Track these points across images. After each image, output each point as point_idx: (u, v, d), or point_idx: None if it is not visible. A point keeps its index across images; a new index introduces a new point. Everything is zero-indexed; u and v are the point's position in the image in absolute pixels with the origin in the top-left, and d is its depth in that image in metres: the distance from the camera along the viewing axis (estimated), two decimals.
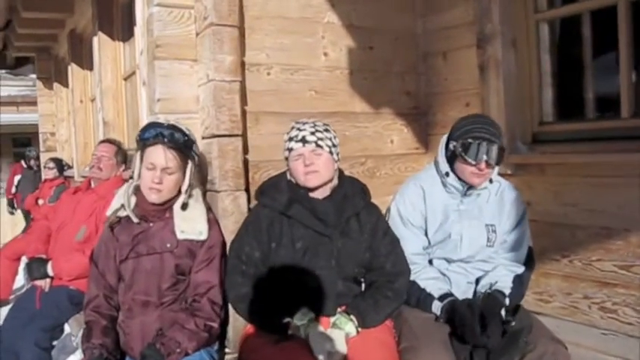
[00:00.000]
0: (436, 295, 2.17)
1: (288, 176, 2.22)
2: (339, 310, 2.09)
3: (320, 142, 2.13)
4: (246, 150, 2.54)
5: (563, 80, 2.82)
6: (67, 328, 3.01)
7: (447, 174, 2.28)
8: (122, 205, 2.18)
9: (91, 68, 5.00)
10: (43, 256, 3.21)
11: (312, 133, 2.13)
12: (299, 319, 1.99)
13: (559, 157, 2.68)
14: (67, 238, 3.26)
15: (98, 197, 3.35)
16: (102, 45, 4.20)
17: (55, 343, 2.97)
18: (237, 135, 2.39)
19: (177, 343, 2.00)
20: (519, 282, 2.24)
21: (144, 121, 2.79)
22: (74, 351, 2.88)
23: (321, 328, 2.00)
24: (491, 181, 2.27)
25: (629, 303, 2.45)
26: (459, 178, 2.26)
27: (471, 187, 2.25)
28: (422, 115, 3.25)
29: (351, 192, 2.23)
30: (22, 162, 8.58)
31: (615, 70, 2.54)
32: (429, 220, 2.31)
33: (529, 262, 2.33)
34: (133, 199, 2.19)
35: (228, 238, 2.26)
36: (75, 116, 5.49)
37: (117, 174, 3.54)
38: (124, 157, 3.60)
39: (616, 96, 2.54)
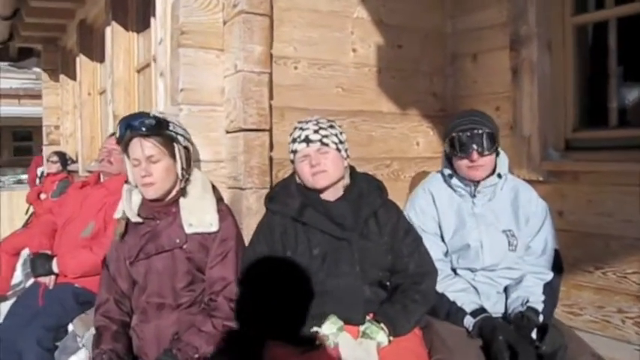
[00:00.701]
0: (468, 309, 2.06)
1: (297, 179, 2.10)
2: (367, 318, 1.97)
3: (325, 140, 2.00)
4: (271, 147, 2.43)
5: (599, 86, 2.71)
6: (71, 328, 2.87)
7: (451, 176, 2.21)
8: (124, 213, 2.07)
9: (101, 60, 4.89)
10: (48, 252, 3.07)
11: (316, 132, 2.01)
12: (328, 328, 1.86)
13: (594, 165, 2.58)
14: (74, 234, 3.13)
15: (108, 192, 3.23)
16: (115, 35, 4.08)
17: (58, 344, 2.85)
18: (264, 130, 2.29)
19: (194, 348, 1.88)
20: (550, 290, 2.13)
21: None
22: (76, 351, 2.75)
23: (351, 338, 1.87)
24: (500, 176, 2.16)
25: None
26: (462, 178, 2.18)
27: (478, 184, 2.15)
28: (448, 118, 3.12)
29: (366, 190, 2.11)
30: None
31: None
32: (443, 225, 2.22)
33: (558, 266, 2.20)
34: (137, 200, 2.08)
35: (249, 237, 2.14)
36: (82, 109, 5.36)
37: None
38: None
39: None
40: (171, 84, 2.39)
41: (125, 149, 2.03)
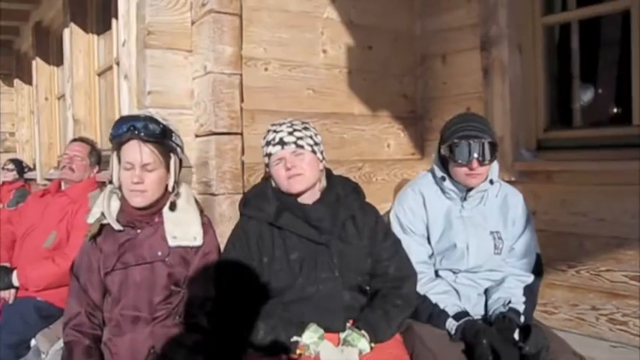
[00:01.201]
0: (451, 312, 2.03)
1: (273, 183, 2.03)
2: (348, 325, 1.91)
3: (300, 142, 1.95)
4: (242, 151, 2.35)
5: (569, 86, 2.74)
6: (34, 343, 2.73)
7: (444, 178, 2.16)
8: (102, 214, 1.95)
9: (58, 63, 4.72)
10: (7, 265, 2.93)
11: (290, 133, 1.95)
12: (308, 337, 1.80)
13: (567, 165, 2.59)
14: (35, 245, 3.00)
15: (70, 200, 3.11)
16: (74, 38, 3.93)
17: None
18: (236, 133, 2.22)
19: None
20: (530, 293, 2.13)
21: None
22: None
23: (332, 346, 1.82)
24: (491, 182, 2.15)
25: None
26: (456, 182, 2.14)
27: (470, 190, 2.13)
28: (418, 120, 3.14)
29: (343, 193, 2.06)
30: None
31: (626, 77, 2.46)
32: (431, 227, 2.19)
33: (538, 269, 2.21)
34: (116, 204, 1.97)
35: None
36: (39, 115, 5.16)
37: (90, 175, 3.28)
38: (97, 158, 3.36)
39: (627, 102, 2.47)
40: (137, 87, 2.29)
41: (117, 148, 1.91)
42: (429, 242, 2.20)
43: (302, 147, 1.94)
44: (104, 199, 1.95)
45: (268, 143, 1.97)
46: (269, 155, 1.97)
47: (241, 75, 2.31)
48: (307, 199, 1.99)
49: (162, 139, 1.90)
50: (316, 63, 2.68)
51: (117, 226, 1.92)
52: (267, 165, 2.02)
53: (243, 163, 2.34)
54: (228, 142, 2.19)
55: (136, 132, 1.85)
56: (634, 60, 2.44)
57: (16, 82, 6.30)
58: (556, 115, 2.79)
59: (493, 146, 2.05)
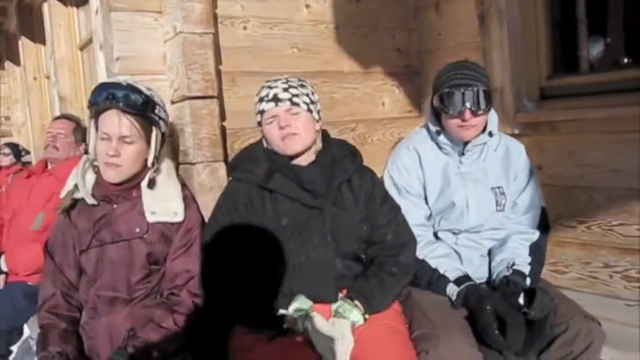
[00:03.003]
0: (451, 277, 1.91)
1: (265, 144, 1.90)
2: (340, 295, 1.80)
3: (295, 99, 1.81)
4: (223, 116, 2.21)
5: (573, 30, 2.54)
6: (26, 329, 2.67)
7: (438, 132, 2.02)
8: (75, 186, 1.81)
9: (43, 41, 4.56)
10: None
11: (285, 90, 1.81)
12: (296, 311, 1.69)
13: (573, 113, 2.42)
14: (22, 228, 2.92)
15: (57, 180, 2.99)
16: (53, 12, 3.75)
17: (12, 348, 2.64)
18: (211, 97, 2.08)
19: (153, 345, 1.68)
20: (537, 250, 2.00)
21: None
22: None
23: (322, 319, 1.69)
24: (490, 134, 1.99)
25: None
26: (451, 136, 2.00)
27: (467, 143, 1.98)
28: (414, 75, 2.97)
29: (339, 155, 1.93)
30: None
31: (633, 18, 2.27)
32: (428, 186, 2.05)
33: (544, 224, 2.06)
34: (92, 177, 1.83)
35: (208, 217, 1.93)
36: (29, 95, 5.03)
37: (76, 154, 3.17)
38: (83, 135, 3.23)
39: (635, 45, 2.28)
40: (105, 55, 2.14)
41: (95, 116, 1.77)
42: (427, 202, 2.06)
43: (297, 105, 1.81)
44: (79, 170, 1.83)
45: (261, 99, 1.83)
46: (262, 112, 1.84)
47: (215, 34, 2.15)
48: (301, 161, 1.86)
49: (144, 111, 1.75)
50: (300, 19, 2.52)
51: (90, 200, 1.79)
52: (259, 123, 1.88)
53: (223, 129, 2.20)
54: (204, 106, 2.05)
55: (115, 101, 1.71)
56: None
57: (7, 64, 6.14)
58: (560, 62, 2.61)
59: (488, 95, 1.88)
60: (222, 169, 2.09)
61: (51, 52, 3.83)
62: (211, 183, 2.05)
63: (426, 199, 2.06)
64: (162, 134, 1.85)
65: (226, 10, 2.27)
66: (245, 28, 2.33)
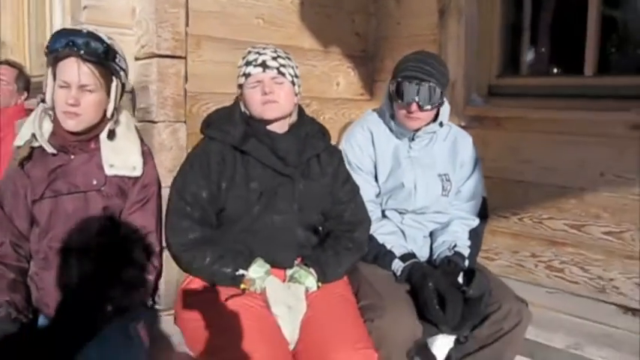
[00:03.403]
0: (397, 253, 2.01)
1: (242, 107, 1.91)
2: (296, 262, 1.86)
3: (282, 70, 1.84)
4: (185, 78, 2.20)
5: (524, 33, 2.70)
6: None
7: (392, 116, 2.10)
8: (33, 135, 1.76)
9: None
10: None
11: (274, 59, 1.84)
12: (255, 272, 1.73)
13: (518, 112, 2.58)
14: None
15: None
16: None
17: None
18: (180, 57, 2.07)
19: (108, 299, 1.66)
20: (475, 237, 2.13)
21: None
22: None
23: (279, 282, 1.76)
24: (441, 124, 2.10)
25: (577, 262, 2.45)
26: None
27: (417, 130, 2.08)
28: (369, 60, 3.04)
29: (311, 131, 1.98)
30: None
31: (582, 26, 2.44)
32: (379, 165, 2.14)
33: (484, 212, 2.21)
34: (48, 126, 1.76)
35: (165, 176, 1.94)
36: None
37: (18, 102, 3.05)
38: (26, 84, 3.11)
39: (580, 53, 2.46)
40: (71, 2, 2.07)
41: (53, 63, 1.70)
42: (377, 181, 2.15)
43: (283, 75, 1.83)
44: (35, 119, 1.75)
45: (248, 63, 1.84)
46: (247, 75, 1.84)
47: None
48: (276, 128, 1.88)
49: (105, 59, 1.70)
50: None
51: (50, 149, 1.73)
52: (240, 86, 1.88)
53: (185, 91, 2.18)
54: (171, 65, 2.03)
55: (76, 48, 1.64)
56: (590, 11, 2.42)
57: None
58: (509, 62, 2.76)
59: (439, 92, 1.97)
60: (182, 130, 2.09)
61: None
62: (171, 143, 2.04)
63: (376, 177, 2.15)
64: (123, 85, 1.81)
65: None
66: None
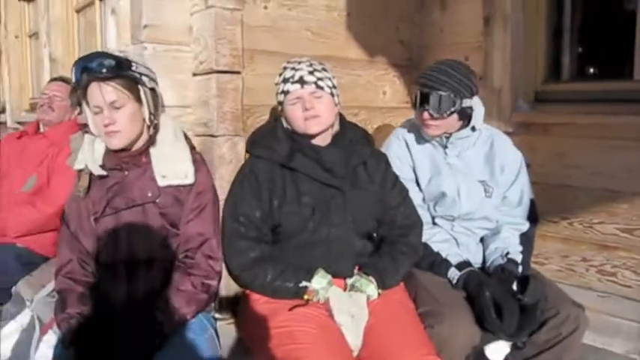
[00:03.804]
0: (453, 261, 2.04)
1: (285, 123, 1.96)
2: (355, 270, 1.90)
3: (320, 83, 1.87)
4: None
5: (571, 38, 2.70)
6: (14, 291, 2.63)
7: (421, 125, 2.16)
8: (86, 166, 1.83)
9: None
10: None
11: (311, 73, 1.87)
12: (317, 283, 1.78)
13: (565, 118, 2.58)
14: (12, 190, 2.88)
15: (50, 143, 2.99)
16: None
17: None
18: (237, 72, 2.12)
19: (173, 308, 1.73)
20: (527, 241, 2.14)
21: None
22: (15, 316, 2.55)
23: (341, 292, 1.80)
24: (473, 129, 2.12)
25: (630, 266, 2.43)
26: None
27: (449, 137, 2.12)
28: (414, 68, 3.05)
29: (355, 138, 2.02)
30: None
31: (629, 29, 2.44)
32: (419, 170, 2.18)
33: (533, 216, 2.21)
34: (101, 148, 1.84)
35: (226, 189, 1.99)
36: (8, 54, 4.87)
37: (71, 118, 3.15)
38: (78, 99, 3.19)
39: (629, 57, 2.45)
40: (131, 20, 2.15)
41: (84, 96, 1.78)
42: (419, 186, 2.18)
43: (322, 88, 1.87)
44: (86, 149, 1.84)
45: (286, 80, 1.88)
46: (285, 93, 1.89)
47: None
48: (320, 141, 1.93)
49: (120, 70, 1.73)
50: (316, 3, 2.56)
51: (99, 172, 1.80)
52: (280, 103, 1.93)
53: (242, 105, 2.25)
54: (230, 81, 2.10)
55: (91, 73, 1.71)
56: (639, 14, 2.41)
57: None
58: (555, 68, 2.77)
59: (450, 100, 1.99)
60: (241, 143, 2.14)
61: (44, 12, 3.73)
62: (231, 156, 2.10)
63: (418, 183, 2.18)
64: (152, 89, 1.84)
65: None
66: (266, 7, 2.37)
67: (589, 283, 2.54)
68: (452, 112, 2.02)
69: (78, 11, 3.69)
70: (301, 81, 1.85)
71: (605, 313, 2.30)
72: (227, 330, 2.04)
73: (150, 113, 1.81)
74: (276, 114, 2.01)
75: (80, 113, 3.22)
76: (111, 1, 2.47)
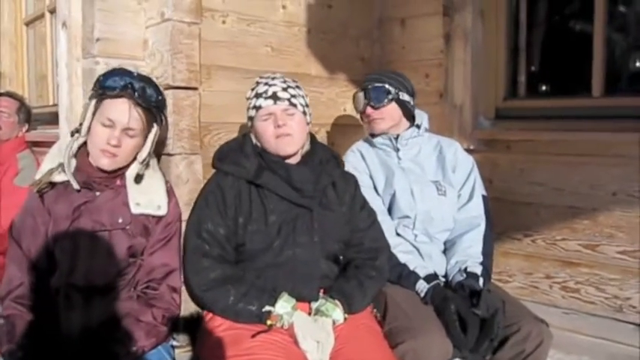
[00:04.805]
0: (421, 274, 2.00)
1: (254, 140, 1.89)
2: (321, 294, 1.82)
3: (293, 100, 1.83)
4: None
5: (530, 56, 2.73)
6: None
7: (373, 135, 2.25)
8: (59, 166, 1.71)
9: None
10: None
11: (284, 89, 1.83)
12: (282, 307, 1.70)
13: (526, 134, 2.60)
14: None
15: None
16: None
17: None
18: (194, 88, 2.05)
19: (132, 339, 1.62)
20: (486, 244, 2.11)
21: (60, 71, 2.32)
22: None
23: (306, 317, 1.72)
24: (418, 127, 2.20)
25: (593, 282, 2.44)
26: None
27: (397, 138, 2.18)
28: None
29: (324, 158, 1.96)
30: None
31: (589, 48, 2.47)
32: (375, 176, 2.21)
33: (487, 213, 2.18)
34: (72, 164, 1.72)
35: (182, 209, 1.90)
36: None
37: (19, 134, 3.00)
38: (27, 115, 3.07)
39: (588, 74, 2.48)
40: (83, 33, 2.05)
41: (99, 98, 1.68)
42: (377, 192, 2.19)
43: (295, 106, 1.82)
44: (67, 150, 1.70)
45: (258, 95, 1.82)
46: (257, 108, 1.82)
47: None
48: (290, 159, 1.87)
49: (156, 108, 1.73)
50: (275, 19, 2.52)
51: (75, 185, 1.69)
52: (250, 118, 1.87)
53: (199, 122, 2.16)
54: (186, 97, 2.01)
55: (133, 92, 1.66)
56: (596, 32, 2.45)
57: None
58: (515, 85, 2.79)
59: (384, 90, 2.15)
60: (198, 162, 2.06)
61: None
62: (188, 176, 2.01)
63: (376, 190, 2.19)
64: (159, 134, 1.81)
65: (209, 3, 2.22)
66: (224, 22, 2.30)
67: (553, 300, 2.54)
68: (390, 100, 2.15)
69: (27, 24, 3.54)
70: (274, 97, 1.80)
71: (570, 330, 2.30)
72: (186, 358, 1.94)
73: (148, 154, 1.76)
74: (245, 130, 1.93)
75: (29, 130, 3.08)
76: (62, 13, 2.34)
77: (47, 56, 3.29)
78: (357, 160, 2.24)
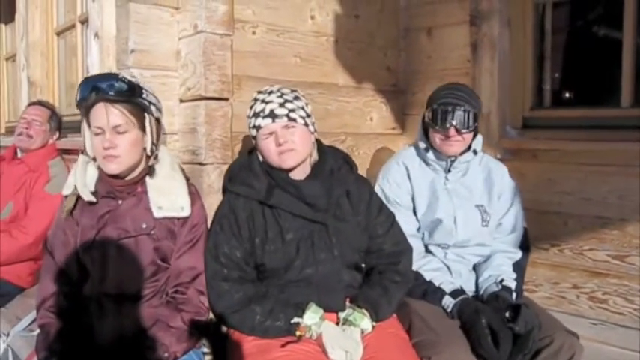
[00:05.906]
0: (447, 289, 2.00)
1: (260, 158, 1.89)
2: (347, 303, 1.84)
3: (292, 115, 1.80)
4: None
5: (558, 65, 2.73)
6: None
7: (427, 150, 2.13)
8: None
9: (6, 21, 4.34)
10: None
11: (282, 105, 1.80)
12: (310, 318, 1.71)
13: (553, 144, 2.59)
14: None
15: (28, 169, 2.92)
16: None
17: None
18: (226, 99, 2.08)
19: (164, 345, 1.65)
20: (519, 269, 2.12)
21: None
22: None
23: (334, 326, 1.73)
24: (475, 152, 2.12)
25: (621, 293, 2.42)
26: (439, 153, 2.11)
27: (454, 161, 2.10)
28: (400, 94, 3.06)
29: (335, 166, 1.95)
30: None
31: (617, 57, 2.46)
32: (417, 199, 2.15)
33: (526, 244, 2.20)
34: (94, 174, 1.76)
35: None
36: None
37: (50, 142, 3.07)
38: (58, 124, 3.13)
39: (616, 84, 2.47)
40: (117, 45, 2.09)
41: (86, 114, 1.71)
42: (416, 215, 2.15)
43: (294, 120, 1.80)
44: (77, 171, 1.76)
45: (257, 115, 1.81)
46: (257, 128, 1.82)
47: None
48: (299, 174, 1.87)
49: (131, 96, 1.69)
50: (304, 29, 2.55)
51: (89, 199, 1.72)
52: (253, 137, 1.87)
53: (231, 132, 2.20)
54: (219, 108, 2.05)
55: (101, 92, 1.65)
56: (625, 41, 2.44)
57: None
58: (543, 94, 2.78)
59: (475, 116, 2.02)
60: None
61: (22, 35, 3.66)
62: (219, 185, 2.04)
63: (415, 212, 2.15)
64: (157, 120, 1.80)
65: (239, 14, 2.26)
66: (254, 33, 2.34)
67: (580, 310, 2.53)
68: (475, 128, 2.04)
69: (58, 34, 3.62)
70: (272, 115, 1.79)
71: (597, 341, 2.28)
72: None
73: (152, 143, 1.76)
74: (252, 146, 1.94)
75: (59, 138, 3.15)
76: (94, 24, 2.41)
77: (78, 66, 3.37)
78: (401, 176, 2.18)
